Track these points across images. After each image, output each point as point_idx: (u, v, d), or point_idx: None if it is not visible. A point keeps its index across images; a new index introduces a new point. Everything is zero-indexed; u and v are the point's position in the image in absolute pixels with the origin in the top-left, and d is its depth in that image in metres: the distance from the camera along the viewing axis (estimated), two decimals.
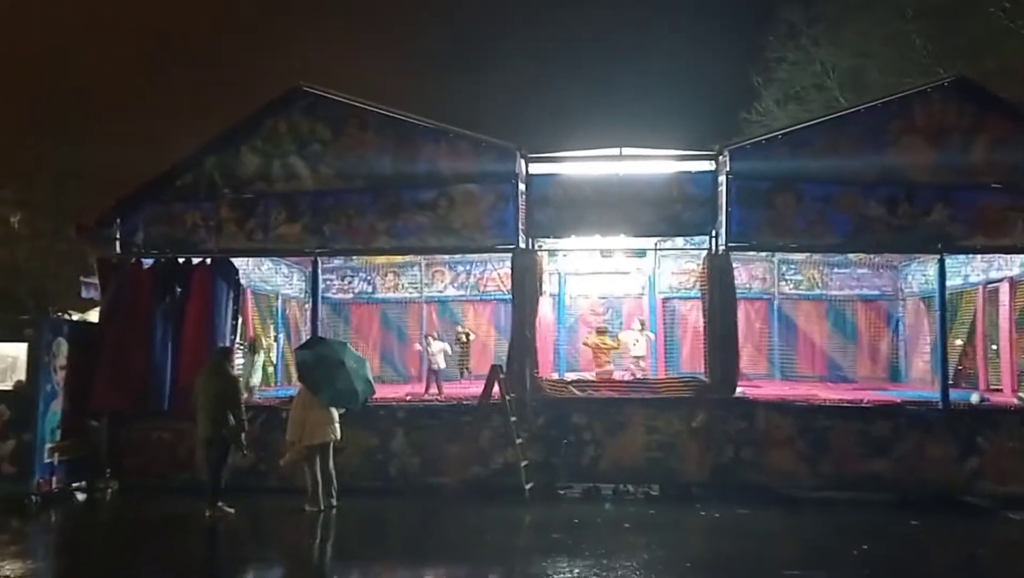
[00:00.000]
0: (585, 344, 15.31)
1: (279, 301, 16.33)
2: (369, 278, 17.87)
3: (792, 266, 17.03)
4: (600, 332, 15.01)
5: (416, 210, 12.16)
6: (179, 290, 12.39)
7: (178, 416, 11.68)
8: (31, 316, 20.99)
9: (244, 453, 10.52)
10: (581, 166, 12.58)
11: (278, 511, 11.03)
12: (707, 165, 12.14)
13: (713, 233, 12.01)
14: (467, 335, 16.01)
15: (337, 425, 10.50)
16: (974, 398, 12.37)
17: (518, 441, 11.35)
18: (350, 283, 17.91)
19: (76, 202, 26.22)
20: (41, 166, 29.99)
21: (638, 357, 15.25)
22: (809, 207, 11.81)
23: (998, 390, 13.67)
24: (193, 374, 10.89)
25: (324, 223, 12.29)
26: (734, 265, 12.22)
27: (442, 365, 14.85)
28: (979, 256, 13.70)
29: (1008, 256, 13.14)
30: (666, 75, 42.72)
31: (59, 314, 21.44)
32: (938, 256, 12.06)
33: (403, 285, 17.82)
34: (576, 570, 8.05)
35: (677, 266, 16.81)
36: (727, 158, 11.92)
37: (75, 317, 17.35)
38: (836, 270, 17.13)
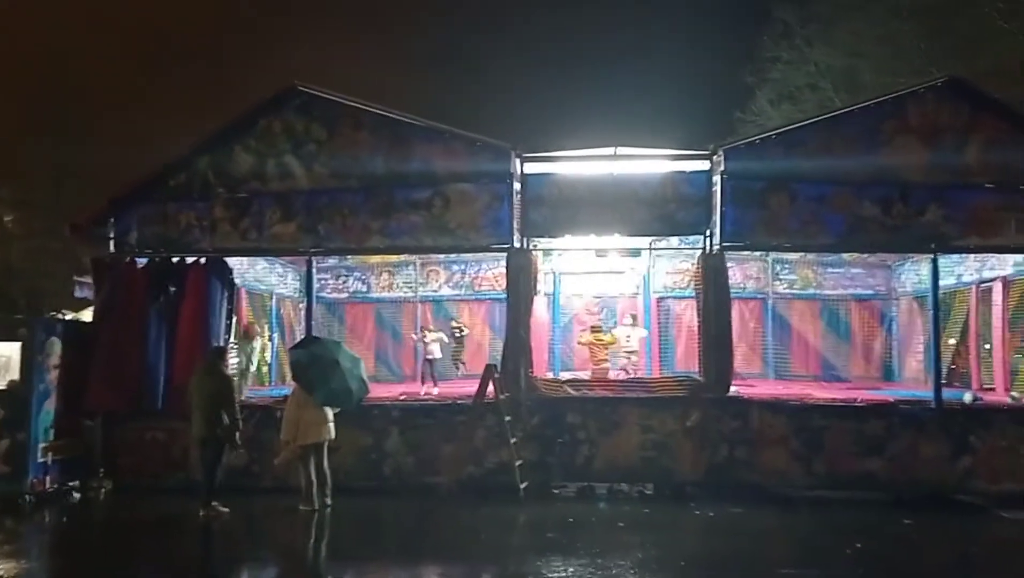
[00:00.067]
0: (580, 344, 15.33)
1: (273, 300, 16.30)
2: (364, 277, 17.85)
3: (786, 266, 17.05)
4: (595, 330, 15.02)
5: (411, 209, 12.16)
6: (173, 290, 12.37)
7: (172, 416, 11.66)
8: (25, 315, 20.95)
9: (239, 451, 10.50)
10: (576, 166, 12.58)
11: (272, 511, 11.02)
12: (701, 165, 12.15)
13: (707, 233, 12.03)
14: (460, 329, 16.04)
15: (331, 425, 10.49)
16: (967, 397, 12.41)
17: (513, 440, 11.35)
18: (345, 282, 17.88)
19: (72, 201, 26.17)
20: (36, 165, 29.93)
21: (630, 352, 15.26)
22: (803, 207, 11.84)
23: (991, 389, 13.71)
24: (187, 374, 10.89)
25: (319, 222, 12.28)
26: (728, 264, 12.24)
27: (438, 355, 14.91)
28: (972, 256, 13.74)
29: (1001, 256, 13.18)
30: (660, 75, 42.77)
31: (52, 313, 21.37)
32: (931, 256, 12.09)
33: (398, 284, 17.80)
34: (571, 569, 8.06)
35: (672, 265, 16.81)
36: (721, 158, 11.94)
37: (68, 316, 17.30)
38: (830, 270, 17.15)
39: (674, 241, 14.43)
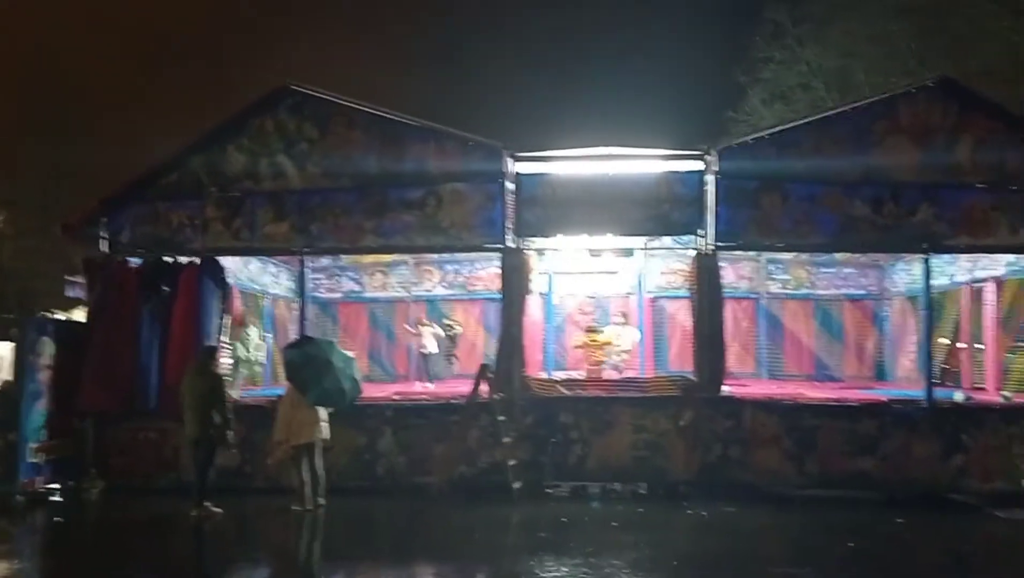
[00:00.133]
0: (576, 348, 15.35)
1: (266, 300, 16.28)
2: (357, 277, 17.85)
3: (779, 265, 17.08)
4: (590, 330, 15.03)
5: (404, 209, 12.15)
6: (165, 289, 12.32)
7: (164, 416, 11.62)
8: (16, 315, 20.87)
9: (231, 451, 10.46)
10: (569, 165, 12.58)
11: (265, 511, 11.01)
12: (695, 165, 12.16)
13: (701, 232, 12.04)
14: (452, 327, 16.07)
15: (325, 424, 10.47)
16: (959, 397, 12.45)
17: (506, 440, 11.35)
18: (338, 282, 17.87)
19: (64, 201, 26.09)
20: (28, 164, 29.82)
21: (622, 351, 15.26)
22: (795, 207, 11.87)
23: (982, 389, 13.77)
24: (179, 374, 10.84)
25: (311, 222, 12.26)
26: (721, 264, 12.26)
27: (433, 349, 14.93)
28: (964, 256, 13.79)
29: (993, 256, 13.23)
30: (653, 75, 42.80)
31: (44, 313, 21.31)
32: (923, 256, 12.13)
33: (391, 284, 17.80)
34: (564, 569, 8.06)
35: (665, 265, 16.83)
36: (714, 158, 11.95)
37: (60, 316, 17.26)
38: (822, 269, 17.20)
39: (667, 241, 14.44)
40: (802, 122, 12.59)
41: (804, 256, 16.27)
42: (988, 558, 9.29)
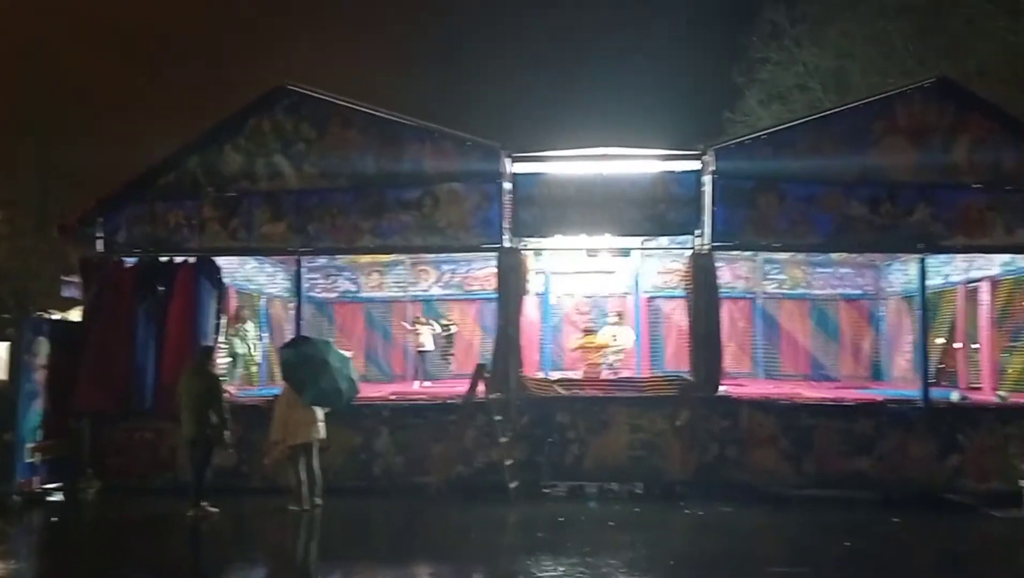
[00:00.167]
0: (573, 351, 15.36)
1: (263, 300, 16.26)
2: (353, 277, 17.83)
3: (775, 265, 17.09)
4: (586, 333, 15.04)
5: (400, 209, 12.15)
6: (162, 289, 12.31)
7: (161, 416, 11.61)
8: (12, 315, 20.83)
9: (228, 451, 10.45)
10: (566, 165, 12.58)
11: (262, 511, 11.00)
12: (691, 165, 12.16)
13: (697, 232, 12.05)
14: (448, 327, 16.08)
15: (321, 424, 10.46)
16: (955, 396, 12.47)
17: (502, 440, 11.35)
18: (334, 282, 17.85)
19: (60, 201, 26.06)
20: (24, 164, 29.77)
21: (618, 351, 15.26)
22: (792, 207, 11.88)
23: (978, 388, 13.79)
24: (176, 374, 10.84)
25: (308, 222, 12.25)
26: (718, 264, 12.27)
27: (429, 347, 14.94)
28: (960, 256, 13.80)
29: (988, 256, 13.24)
30: (650, 75, 42.76)
31: (40, 313, 21.27)
32: (919, 256, 12.15)
33: (388, 284, 17.79)
34: (561, 568, 8.06)
35: (661, 265, 16.83)
36: (711, 158, 11.96)
37: (56, 316, 17.22)
38: (819, 269, 17.22)
39: (664, 241, 14.44)
40: (799, 122, 12.60)
41: (800, 256, 16.26)
42: (984, 558, 9.30)
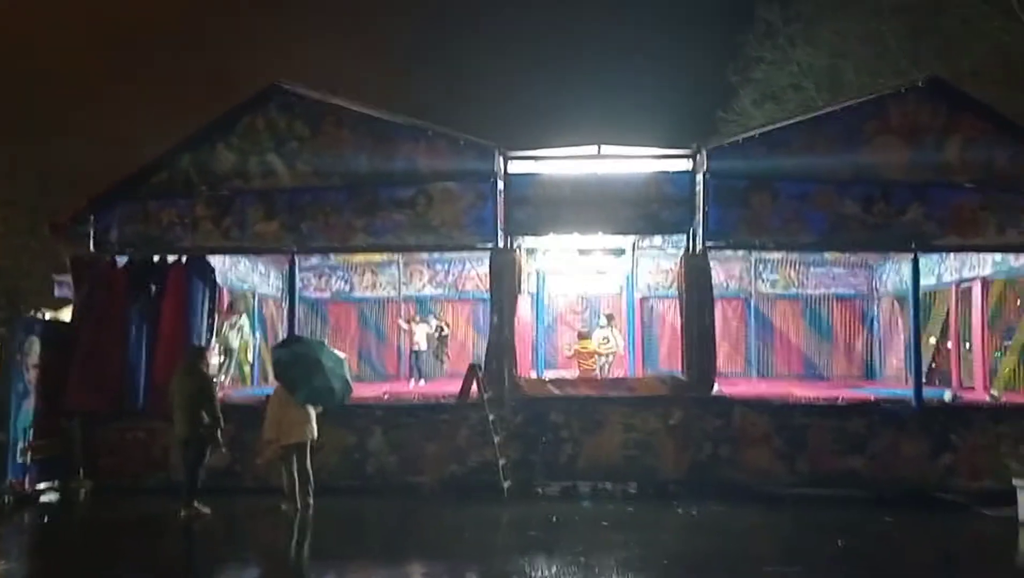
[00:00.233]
0: (568, 357, 15.36)
1: (255, 299, 16.23)
2: (347, 276, 17.81)
3: (768, 265, 17.14)
4: (581, 337, 15.06)
5: (394, 208, 12.13)
6: (154, 289, 12.27)
7: (153, 416, 11.57)
8: (4, 315, 20.74)
9: (221, 451, 10.41)
10: (560, 165, 12.59)
11: (254, 511, 10.97)
12: (685, 164, 12.19)
13: (690, 232, 12.06)
14: (442, 329, 16.07)
15: (314, 424, 10.44)
16: (947, 396, 12.50)
17: (496, 439, 11.34)
18: (328, 281, 17.84)
19: (52, 200, 25.93)
20: (15, 163, 29.62)
21: (609, 353, 15.27)
22: (785, 206, 11.90)
23: (970, 388, 13.84)
24: (168, 373, 10.79)
25: (301, 221, 12.22)
26: (711, 264, 12.27)
27: (424, 346, 14.94)
28: (952, 255, 13.85)
29: (981, 255, 13.29)
30: (644, 74, 42.78)
31: (32, 313, 21.20)
32: (912, 255, 12.17)
33: (381, 283, 17.78)
34: (554, 568, 8.06)
35: (655, 265, 16.87)
36: (704, 157, 11.97)
37: (48, 316, 17.17)
38: (812, 269, 17.27)
39: (657, 240, 14.48)
40: (792, 121, 12.61)
41: (794, 255, 16.32)
42: (976, 556, 9.34)
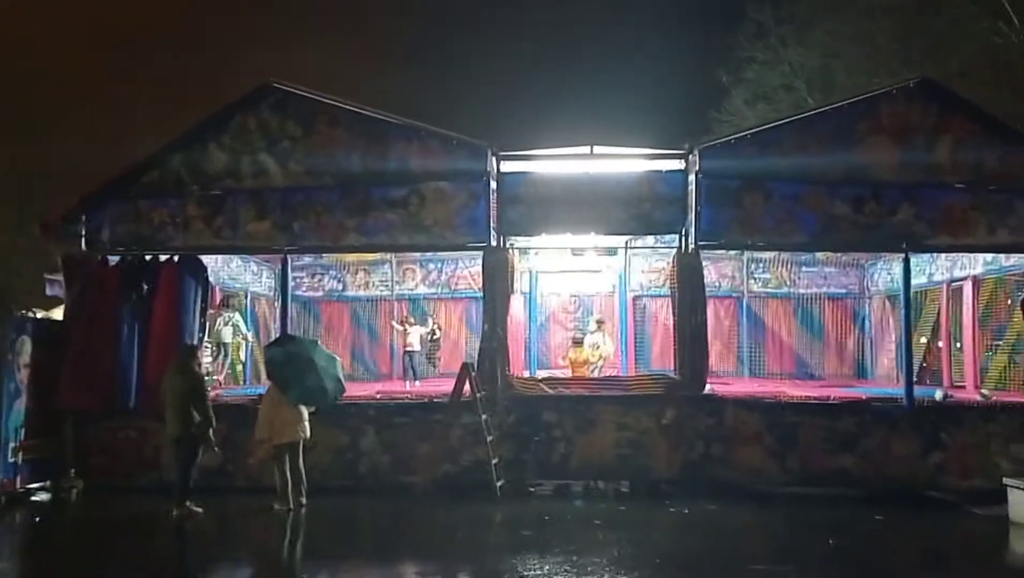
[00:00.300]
0: (564, 365, 15.37)
1: (248, 299, 16.20)
2: (339, 276, 17.78)
3: (761, 264, 17.17)
4: (576, 343, 15.06)
5: (387, 208, 12.12)
6: (146, 288, 12.23)
7: (144, 415, 11.54)
8: None
9: (214, 450, 10.39)
10: (552, 164, 12.60)
11: (247, 510, 10.95)
12: (677, 164, 12.21)
13: (683, 231, 12.09)
14: (434, 333, 16.06)
15: (307, 424, 10.43)
16: (938, 395, 12.53)
17: (489, 439, 11.35)
18: (320, 281, 17.80)
19: (43, 199, 25.82)
20: (6, 162, 29.49)
21: (600, 358, 15.27)
22: (777, 206, 11.93)
23: (961, 387, 13.90)
24: (160, 373, 10.77)
25: (294, 220, 12.21)
26: (703, 263, 12.31)
27: (417, 348, 14.93)
28: (943, 255, 13.91)
29: (971, 255, 13.35)
30: (636, 74, 42.82)
31: (23, 312, 21.10)
32: (903, 255, 12.22)
33: (374, 283, 17.75)
34: (547, 567, 8.07)
35: (647, 264, 16.89)
36: (697, 157, 11.99)
37: (39, 315, 17.10)
38: (804, 268, 17.30)
39: (650, 240, 14.49)
40: (784, 121, 12.67)
41: (786, 255, 16.36)
42: (966, 555, 9.38)
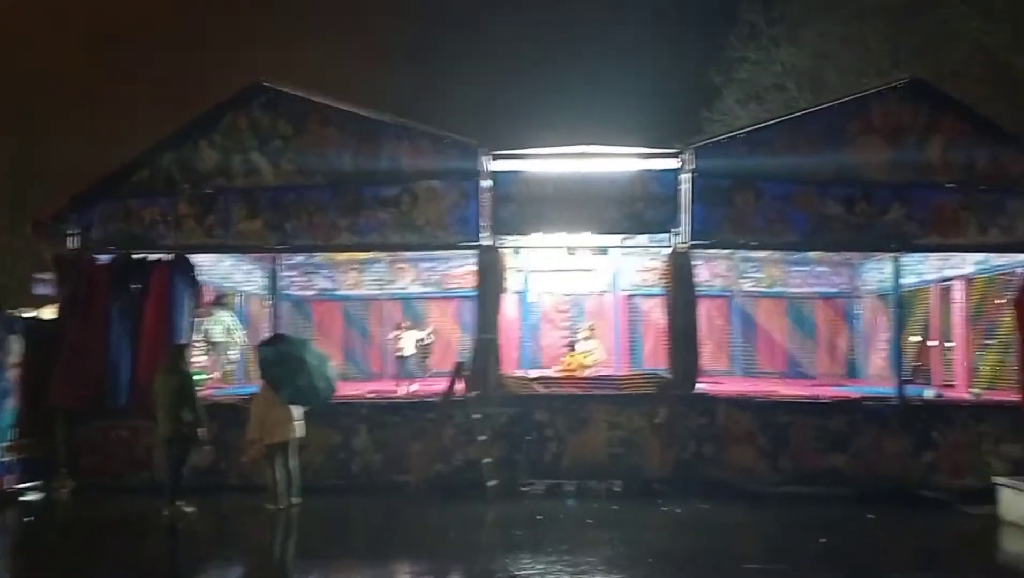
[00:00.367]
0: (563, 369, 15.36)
1: (239, 298, 16.14)
2: (331, 275, 17.72)
3: (752, 263, 17.17)
4: (571, 347, 15.03)
5: (378, 207, 12.10)
6: (136, 287, 12.18)
7: (136, 414, 11.50)
8: None
9: (205, 449, 10.36)
10: (545, 163, 12.58)
11: (239, 510, 10.93)
12: (669, 163, 12.21)
13: (675, 231, 12.10)
14: (424, 340, 16.01)
15: (298, 423, 10.41)
16: (929, 394, 12.60)
17: (481, 438, 11.34)
18: (312, 280, 17.73)
19: (33, 198, 25.70)
20: (1, 163, 29.36)
21: (593, 361, 15.26)
22: (769, 205, 11.96)
23: (952, 386, 13.94)
24: (151, 372, 10.74)
25: (285, 219, 12.18)
26: (695, 262, 12.31)
27: (409, 353, 14.91)
28: (934, 255, 13.94)
29: (962, 255, 13.38)
30: (629, 74, 42.90)
31: (11, 311, 21.01)
32: (894, 254, 12.25)
33: (365, 282, 17.69)
34: (539, 566, 8.07)
35: (640, 263, 16.87)
36: (689, 156, 12.00)
37: (30, 314, 17.03)
38: (795, 268, 17.30)
39: (642, 239, 14.47)
40: (775, 121, 12.68)
41: (777, 254, 16.35)
42: (957, 553, 9.41)
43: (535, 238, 13.01)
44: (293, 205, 12.16)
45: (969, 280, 13.86)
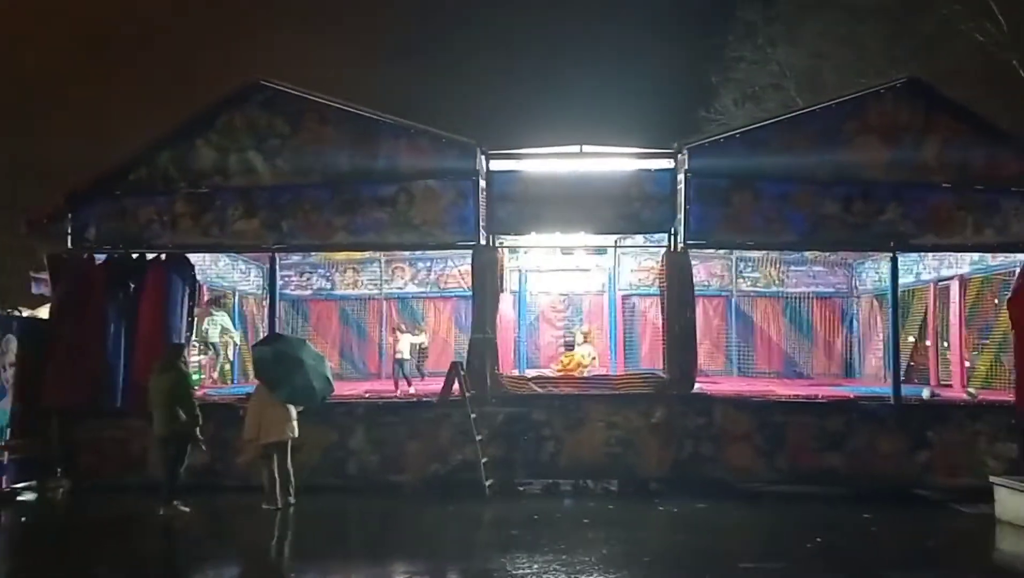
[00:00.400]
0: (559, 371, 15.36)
1: (236, 298, 16.13)
2: (328, 274, 17.71)
3: (749, 263, 17.20)
4: (568, 347, 15.01)
5: (375, 206, 12.10)
6: (133, 286, 12.16)
7: (131, 414, 11.48)
8: None
9: (201, 448, 10.35)
10: (542, 163, 12.60)
11: (235, 509, 10.91)
12: (666, 163, 12.21)
13: (672, 230, 12.10)
14: (421, 345, 15.99)
15: (295, 423, 10.40)
16: (925, 393, 12.61)
17: (478, 438, 11.34)
18: (308, 279, 17.71)
19: (29, 197, 25.63)
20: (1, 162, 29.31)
21: (594, 360, 15.26)
22: (766, 205, 11.96)
23: (948, 386, 13.96)
24: (147, 371, 10.72)
25: (282, 218, 12.17)
26: (692, 262, 12.32)
27: (407, 355, 14.89)
28: (930, 254, 13.96)
29: (958, 254, 13.41)
30: (626, 74, 42.86)
31: (8, 311, 20.96)
32: (891, 254, 12.26)
33: (362, 281, 17.68)
34: (535, 565, 8.07)
35: (637, 263, 16.89)
36: (686, 156, 12.01)
37: (25, 313, 17.00)
38: (792, 268, 17.33)
39: (639, 239, 14.49)
40: (772, 121, 12.69)
41: (774, 254, 16.38)
42: (952, 552, 9.41)
43: (532, 238, 13.03)
44: (290, 204, 12.14)
45: (965, 280, 13.89)
